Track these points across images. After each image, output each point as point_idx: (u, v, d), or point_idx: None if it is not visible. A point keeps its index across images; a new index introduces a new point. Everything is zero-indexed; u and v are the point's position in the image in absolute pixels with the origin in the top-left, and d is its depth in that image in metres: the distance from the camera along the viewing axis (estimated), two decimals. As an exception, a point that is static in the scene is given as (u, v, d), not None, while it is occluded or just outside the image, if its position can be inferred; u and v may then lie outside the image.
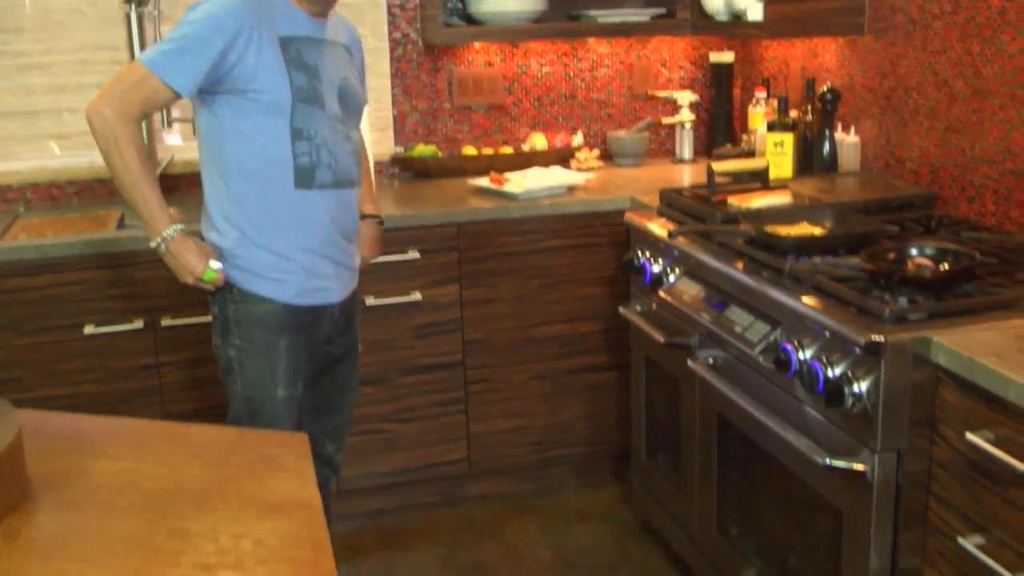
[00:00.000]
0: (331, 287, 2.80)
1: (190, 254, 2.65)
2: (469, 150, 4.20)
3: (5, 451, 1.63)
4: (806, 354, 2.35)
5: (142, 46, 3.88)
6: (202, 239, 2.74)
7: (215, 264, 2.67)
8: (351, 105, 2.80)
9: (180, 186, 4.05)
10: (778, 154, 3.60)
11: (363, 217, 3.00)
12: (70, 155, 4.03)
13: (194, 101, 2.69)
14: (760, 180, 3.34)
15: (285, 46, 2.63)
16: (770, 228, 2.78)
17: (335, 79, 2.73)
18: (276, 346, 2.73)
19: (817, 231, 2.81)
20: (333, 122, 2.71)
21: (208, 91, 2.61)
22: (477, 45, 4.23)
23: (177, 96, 2.57)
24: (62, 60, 3.97)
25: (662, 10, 4.18)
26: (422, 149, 4.15)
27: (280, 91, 2.61)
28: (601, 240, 3.71)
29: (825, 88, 3.64)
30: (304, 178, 2.67)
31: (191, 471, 1.85)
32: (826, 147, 3.65)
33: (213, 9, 2.55)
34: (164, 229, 2.62)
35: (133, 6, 3.87)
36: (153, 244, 2.65)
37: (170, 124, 3.92)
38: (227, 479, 1.82)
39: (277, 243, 2.70)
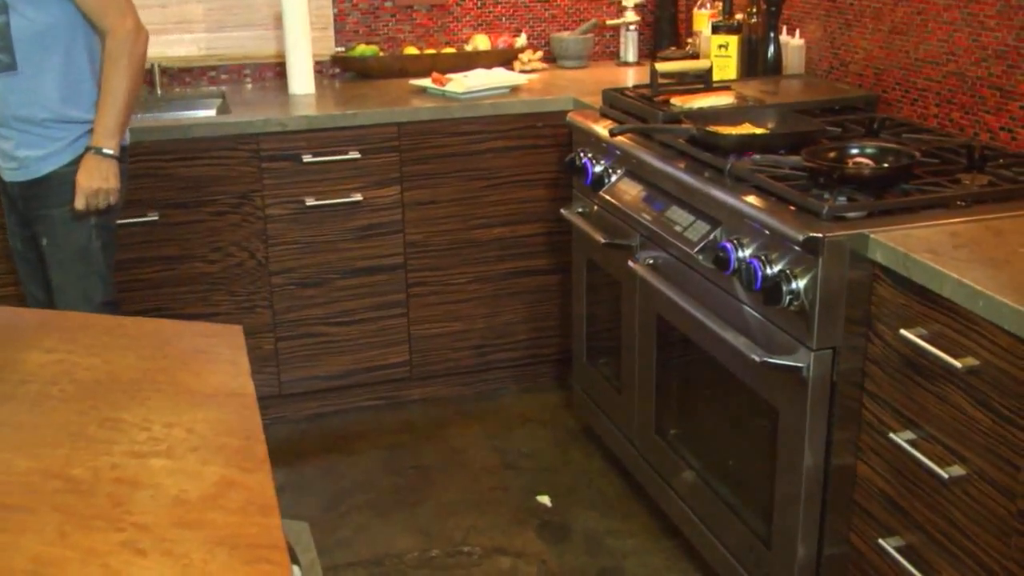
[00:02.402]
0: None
1: None
2: (411, 50, 4.13)
3: (-69, 341, 1.60)
4: (745, 252, 2.36)
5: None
6: None
7: None
8: None
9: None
10: (722, 56, 3.57)
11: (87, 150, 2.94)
12: None
13: None
14: (703, 81, 3.32)
15: None
16: (712, 128, 2.76)
17: None
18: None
19: (759, 131, 2.80)
20: None
21: None
22: (420, -58, 4.15)
23: None
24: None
25: (608, -91, 4.12)
26: (363, 49, 4.07)
27: None
28: (543, 141, 3.69)
29: (771, -11, 3.61)
30: None
31: (125, 362, 1.83)
32: (771, 49, 3.62)
33: None
34: None
35: None
36: None
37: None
38: (160, 370, 1.80)
39: None
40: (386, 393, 3.84)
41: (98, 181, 2.87)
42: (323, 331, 3.67)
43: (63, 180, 2.88)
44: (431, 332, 3.77)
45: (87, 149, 2.89)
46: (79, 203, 2.87)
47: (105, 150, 2.87)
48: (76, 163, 2.88)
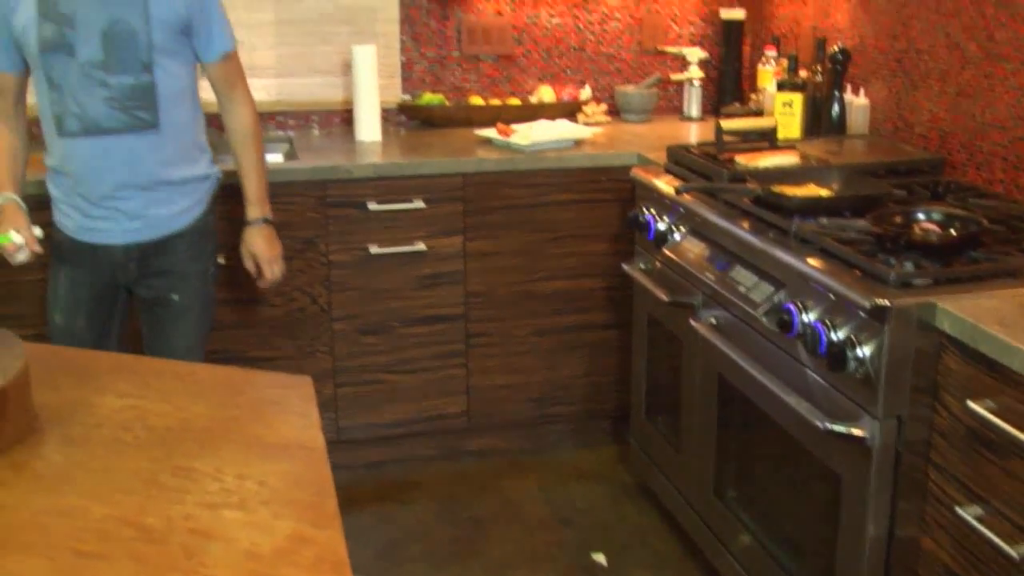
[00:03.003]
0: (107, 229, 2.88)
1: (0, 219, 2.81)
2: (476, 100, 4.18)
3: (12, 383, 1.64)
4: (810, 316, 2.35)
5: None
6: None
7: (15, 235, 2.76)
8: (122, 48, 2.75)
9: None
10: (787, 114, 3.59)
11: (247, 224, 3.08)
12: None
13: None
14: (768, 139, 3.33)
15: None
16: (777, 188, 2.77)
17: (99, 24, 2.72)
18: (58, 274, 2.95)
19: (824, 193, 2.80)
20: (87, 69, 2.73)
21: None
22: (487, -6, 4.21)
23: (7, 73, 2.82)
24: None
25: (675, -36, 4.16)
26: (429, 98, 4.12)
27: (31, 43, 2.73)
28: (606, 196, 3.70)
29: (836, 48, 3.62)
30: (60, 126, 2.79)
31: (197, 410, 1.85)
32: (835, 108, 3.62)
33: None
34: None
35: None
36: None
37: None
38: (232, 419, 1.82)
39: (60, 182, 2.88)
40: (443, 443, 3.85)
41: (276, 248, 3.08)
42: (383, 378, 3.69)
43: (200, 234, 2.99)
44: (490, 383, 3.79)
45: (254, 220, 3.05)
46: (267, 272, 3.08)
47: (269, 217, 3.07)
48: (206, 217, 2.99)
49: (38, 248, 2.80)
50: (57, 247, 2.93)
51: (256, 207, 3.06)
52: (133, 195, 2.84)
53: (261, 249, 3.07)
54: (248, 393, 1.97)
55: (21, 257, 2.78)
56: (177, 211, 2.92)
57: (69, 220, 2.89)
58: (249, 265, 3.11)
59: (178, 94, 2.85)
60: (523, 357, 3.79)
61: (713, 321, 2.85)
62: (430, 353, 3.71)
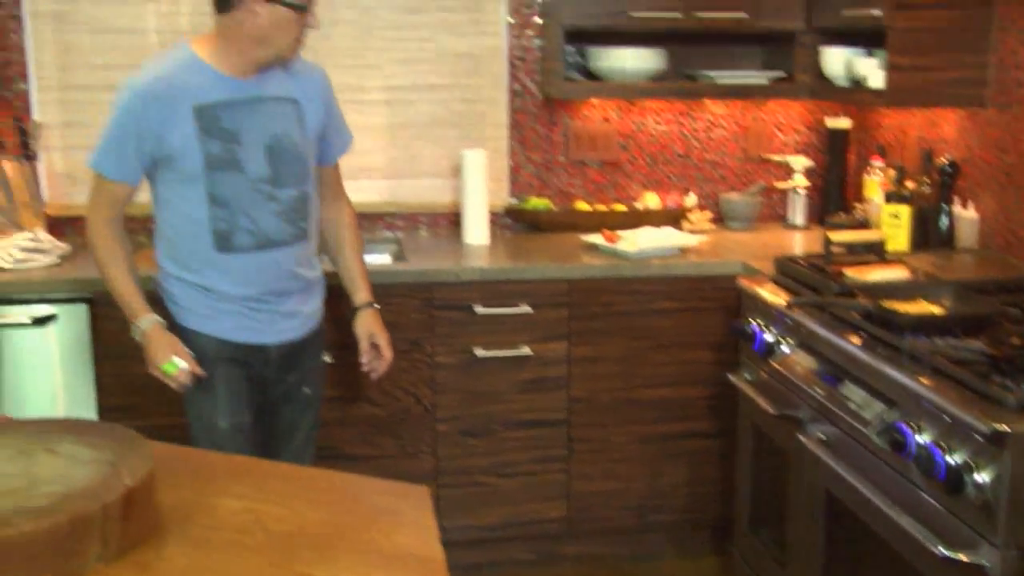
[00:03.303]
0: (264, 329, 2.93)
1: (154, 347, 2.85)
2: (582, 205, 4.23)
3: (140, 484, 1.67)
4: (924, 438, 2.32)
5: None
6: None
7: (179, 361, 2.82)
8: (287, 163, 2.84)
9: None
10: (894, 226, 3.58)
11: (356, 309, 3.16)
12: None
13: None
14: (876, 252, 3.32)
15: (200, 114, 2.74)
16: (887, 303, 2.75)
17: (263, 139, 2.80)
18: (212, 379, 2.89)
19: (935, 309, 2.78)
20: (257, 184, 2.80)
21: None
22: (595, 100, 4.27)
23: (128, 185, 2.83)
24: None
25: (781, 73, 4.18)
26: (536, 202, 4.18)
27: (192, 160, 2.75)
28: (710, 304, 3.71)
29: (944, 160, 3.61)
30: (223, 242, 2.82)
31: (314, 515, 1.87)
32: (943, 221, 3.61)
33: (124, 97, 2.75)
34: (137, 320, 2.86)
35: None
36: (133, 333, 2.88)
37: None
38: (349, 527, 1.84)
39: (208, 292, 2.87)
40: (541, 547, 3.84)
41: (386, 330, 3.18)
42: (484, 481, 3.70)
43: (322, 330, 3.12)
44: (590, 489, 3.77)
45: (367, 304, 3.16)
46: (387, 352, 3.17)
47: (376, 305, 3.17)
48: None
49: (200, 371, 2.85)
50: (203, 351, 2.89)
51: (366, 292, 3.15)
52: (289, 297, 2.93)
53: (379, 328, 3.15)
54: (364, 500, 1.99)
55: (185, 380, 2.85)
56: (316, 308, 3.05)
57: (220, 323, 2.89)
58: (364, 346, 3.15)
59: (316, 198, 2.98)
60: (624, 464, 3.78)
61: (822, 436, 2.82)
62: (531, 457, 3.72)
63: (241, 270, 2.84)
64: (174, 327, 2.89)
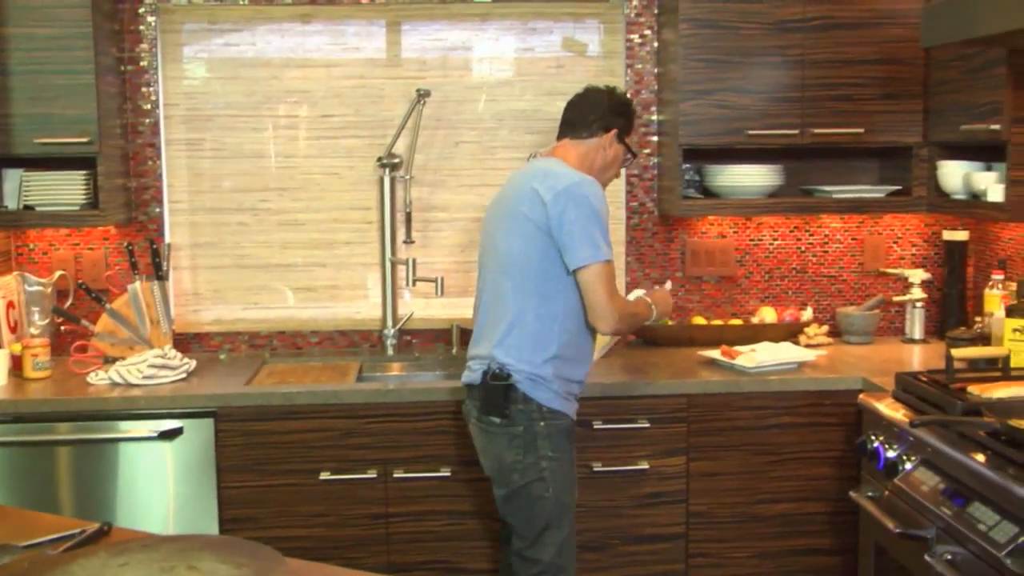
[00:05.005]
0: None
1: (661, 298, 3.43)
2: (699, 320, 4.25)
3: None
4: (1058, 561, 2.28)
5: (392, 208, 4.13)
6: (500, 365, 3.16)
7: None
8: None
9: (418, 338, 4.29)
10: (1018, 340, 3.52)
11: None
12: (315, 306, 4.27)
13: (540, 241, 3.13)
14: (1000, 368, 3.28)
15: None
16: (1015, 422, 2.72)
17: None
18: (572, 456, 3.22)
19: (1065, 428, 2.74)
20: None
21: None
22: (711, 217, 4.31)
23: None
24: (317, 218, 4.24)
25: (897, 187, 4.18)
26: (653, 317, 4.21)
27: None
28: (830, 419, 3.68)
29: (1067, 274, 3.57)
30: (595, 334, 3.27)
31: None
32: (1068, 336, 3.55)
33: (599, 191, 3.17)
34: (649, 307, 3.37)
35: (387, 171, 4.12)
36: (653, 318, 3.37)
37: (414, 284, 4.11)
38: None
39: (577, 373, 3.23)
40: (658, 665, 3.80)
41: None
42: (603, 595, 3.69)
43: None
44: (709, 605, 3.74)
45: None
46: None
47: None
48: None
49: None
50: (569, 433, 3.21)
51: None
52: None
53: None
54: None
55: None
56: None
57: (571, 405, 3.23)
58: None
59: None
60: (744, 580, 3.75)
61: (949, 558, 2.77)
62: (649, 572, 3.70)
63: (590, 360, 3.31)
64: (543, 409, 3.15)
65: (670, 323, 4.22)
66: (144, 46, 4.10)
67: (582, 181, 3.11)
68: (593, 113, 3.31)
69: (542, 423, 3.12)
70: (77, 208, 3.84)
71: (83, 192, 3.83)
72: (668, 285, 3.57)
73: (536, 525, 3.14)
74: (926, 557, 2.83)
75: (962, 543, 2.71)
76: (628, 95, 3.61)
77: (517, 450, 3.12)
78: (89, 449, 3.52)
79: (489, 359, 3.16)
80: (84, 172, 3.83)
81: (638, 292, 3.50)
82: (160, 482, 3.55)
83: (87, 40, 3.71)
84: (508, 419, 3.12)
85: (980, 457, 2.71)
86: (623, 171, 3.79)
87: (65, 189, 3.83)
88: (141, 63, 4.11)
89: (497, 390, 3.12)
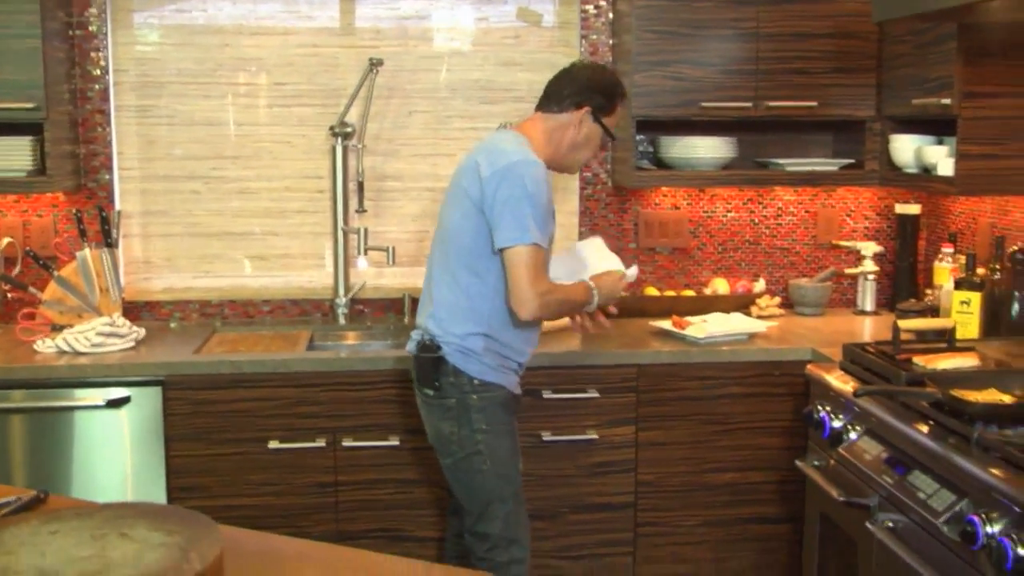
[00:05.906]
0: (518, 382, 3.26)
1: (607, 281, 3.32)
2: (651, 291, 4.26)
3: (209, 568, 1.71)
4: (994, 528, 2.30)
5: (344, 177, 4.11)
6: (431, 336, 3.14)
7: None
8: None
9: (370, 307, 4.27)
10: (964, 313, 3.56)
11: None
12: (267, 275, 4.25)
13: (475, 218, 3.07)
14: (946, 340, 3.31)
15: None
16: (957, 392, 2.74)
17: None
18: (511, 429, 3.19)
19: (1006, 398, 2.76)
20: None
21: None
22: (664, 188, 4.31)
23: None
24: (270, 187, 4.22)
25: (850, 160, 4.20)
26: (604, 287, 4.21)
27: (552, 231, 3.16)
28: (779, 390, 3.71)
29: (1016, 247, 3.59)
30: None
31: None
32: (1015, 308, 3.58)
33: (540, 170, 3.05)
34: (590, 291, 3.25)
35: (340, 140, 4.10)
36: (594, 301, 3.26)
37: (365, 253, 4.10)
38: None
39: (513, 348, 3.17)
40: (608, 632, 3.83)
41: None
42: (549, 564, 3.70)
43: None
44: (657, 573, 3.76)
45: None
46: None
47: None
48: None
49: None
50: (506, 405, 3.18)
51: None
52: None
53: None
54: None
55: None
56: None
57: (509, 378, 3.18)
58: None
59: None
60: (691, 548, 3.77)
61: (890, 525, 2.80)
62: (597, 540, 3.72)
63: (534, 340, 3.26)
64: (475, 382, 3.11)
65: (624, 294, 4.22)
66: (93, 11, 4.04)
67: (522, 161, 3.02)
68: (569, 87, 3.20)
69: (474, 396, 3.10)
70: (24, 174, 3.79)
71: (30, 158, 3.78)
72: (634, 269, 3.44)
73: (479, 499, 3.14)
74: (868, 524, 2.86)
75: (903, 511, 2.74)
76: (616, 74, 3.45)
77: (451, 422, 3.12)
78: (40, 417, 3.49)
79: (423, 330, 3.16)
80: (31, 138, 3.78)
81: (631, 271, 3.45)
82: (116, 451, 3.52)
83: (34, 4, 3.65)
84: (440, 391, 3.12)
85: (922, 427, 2.74)
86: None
87: (12, 155, 3.77)
88: (90, 28, 4.05)
89: (427, 362, 3.11)
